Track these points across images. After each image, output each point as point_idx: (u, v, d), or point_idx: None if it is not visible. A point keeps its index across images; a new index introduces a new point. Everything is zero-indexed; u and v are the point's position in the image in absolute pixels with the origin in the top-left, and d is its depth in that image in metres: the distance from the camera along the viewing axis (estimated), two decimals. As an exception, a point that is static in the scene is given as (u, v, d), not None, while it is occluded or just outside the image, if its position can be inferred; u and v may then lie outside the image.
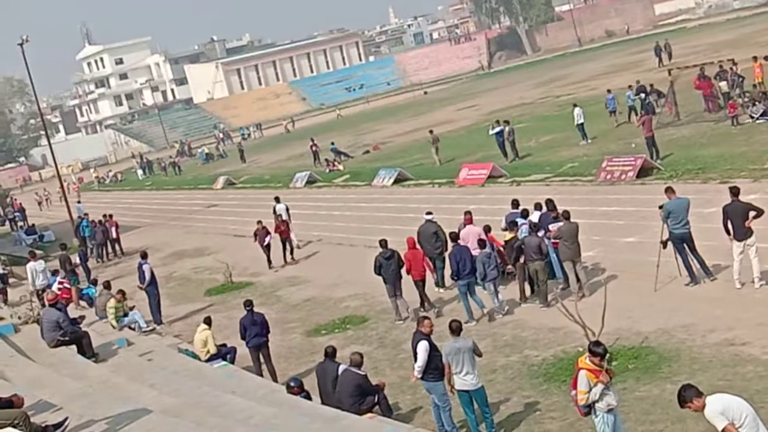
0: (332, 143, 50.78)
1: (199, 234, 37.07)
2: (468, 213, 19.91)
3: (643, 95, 37.28)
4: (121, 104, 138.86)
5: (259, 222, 26.94)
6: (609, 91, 39.66)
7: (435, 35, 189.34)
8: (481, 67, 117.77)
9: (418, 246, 19.36)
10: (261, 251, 26.77)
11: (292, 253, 27.28)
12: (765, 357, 13.02)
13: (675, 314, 15.45)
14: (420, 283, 18.96)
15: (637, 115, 35.67)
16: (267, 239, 26.43)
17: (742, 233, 15.60)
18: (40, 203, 64.89)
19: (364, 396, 12.92)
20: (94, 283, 25.12)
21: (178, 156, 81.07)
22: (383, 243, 18.95)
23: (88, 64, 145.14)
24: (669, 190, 17.33)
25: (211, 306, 23.59)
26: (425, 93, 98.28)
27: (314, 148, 50.29)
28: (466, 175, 33.88)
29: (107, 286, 22.33)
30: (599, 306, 13.84)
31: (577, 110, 36.18)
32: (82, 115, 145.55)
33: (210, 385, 14.84)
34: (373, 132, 64.22)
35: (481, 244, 18.14)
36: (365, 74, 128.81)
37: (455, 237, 18.55)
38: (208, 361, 16.75)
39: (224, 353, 17.06)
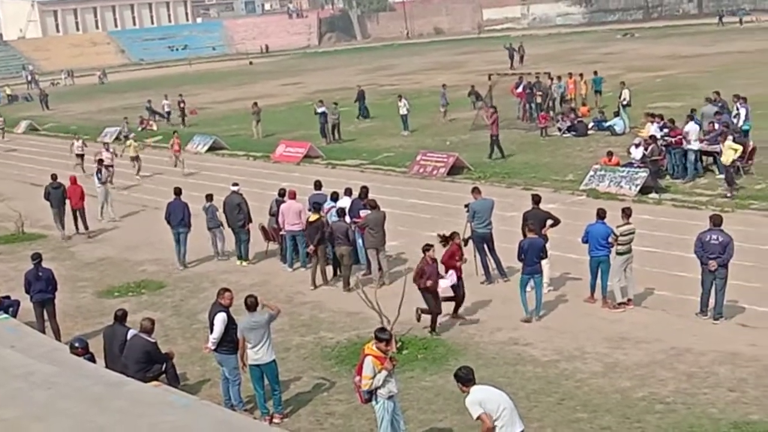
0: (148, 101, 49.04)
1: (-8, 178, 34.93)
2: (292, 190, 19.64)
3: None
4: None
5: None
6: (444, 86, 39.94)
7: (267, 6, 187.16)
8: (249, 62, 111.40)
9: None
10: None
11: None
12: (545, 359, 13.72)
13: (468, 310, 15.99)
14: (79, 212, 23.66)
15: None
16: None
17: (538, 239, 16.32)
18: None
19: (152, 363, 12.60)
20: None
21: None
22: (54, 176, 24.00)
23: None
24: (475, 191, 17.98)
25: (-2, 255, 22.32)
26: (251, 63, 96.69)
27: (182, 105, 46.60)
28: (282, 152, 33.69)
29: None
30: (397, 295, 14.10)
31: (402, 101, 36.77)
32: None
33: (-13, 337, 14.02)
34: (192, 96, 62.54)
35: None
36: (191, 35, 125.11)
37: (179, 191, 20.43)
38: (-12, 312, 15.84)
39: (6, 306, 16.21)
